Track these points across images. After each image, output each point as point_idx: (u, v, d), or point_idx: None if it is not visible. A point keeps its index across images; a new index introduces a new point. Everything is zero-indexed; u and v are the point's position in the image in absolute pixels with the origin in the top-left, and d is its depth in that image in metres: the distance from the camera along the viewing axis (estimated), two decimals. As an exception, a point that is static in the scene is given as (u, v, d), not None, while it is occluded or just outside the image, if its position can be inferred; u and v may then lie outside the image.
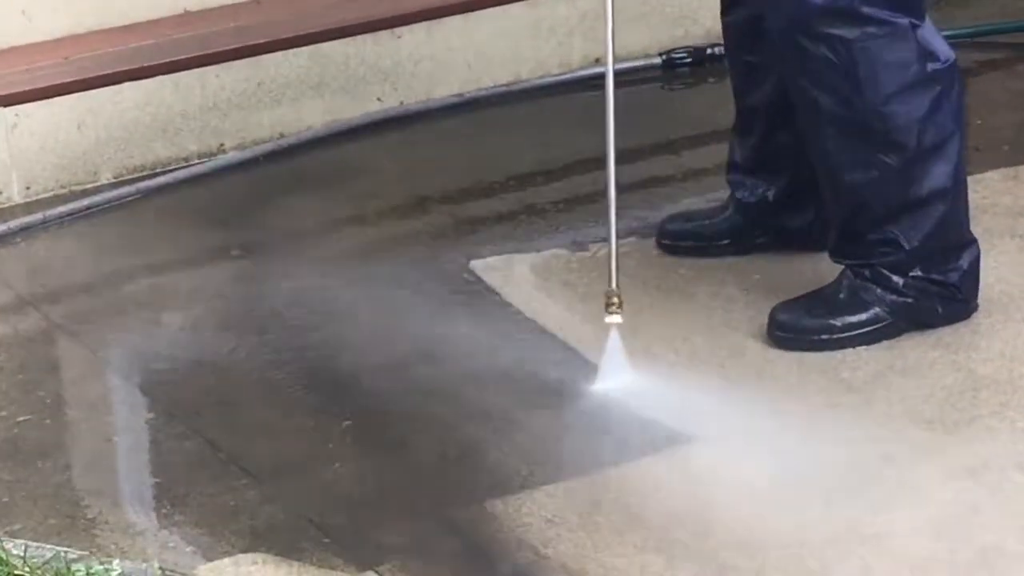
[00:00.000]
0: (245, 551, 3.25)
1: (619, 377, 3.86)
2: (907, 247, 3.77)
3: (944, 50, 3.79)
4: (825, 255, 3.97)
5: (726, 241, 4.29)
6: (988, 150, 4.03)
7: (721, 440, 3.53)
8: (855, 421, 3.56)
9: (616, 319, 3.84)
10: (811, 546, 3.17)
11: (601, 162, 4.07)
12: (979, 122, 3.89)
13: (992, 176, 4.00)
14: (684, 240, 4.34)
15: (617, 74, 4.33)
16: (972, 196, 4.08)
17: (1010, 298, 3.92)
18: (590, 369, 3.82)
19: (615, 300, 3.83)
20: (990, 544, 3.14)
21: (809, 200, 4.09)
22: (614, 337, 3.86)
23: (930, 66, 3.76)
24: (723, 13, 4.13)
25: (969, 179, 4.13)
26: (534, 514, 3.30)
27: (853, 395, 3.66)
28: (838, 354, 3.79)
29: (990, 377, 3.66)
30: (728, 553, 3.16)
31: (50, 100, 4.64)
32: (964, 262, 3.84)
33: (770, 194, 4.19)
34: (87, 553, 3.24)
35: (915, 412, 3.56)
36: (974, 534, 3.17)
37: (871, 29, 3.68)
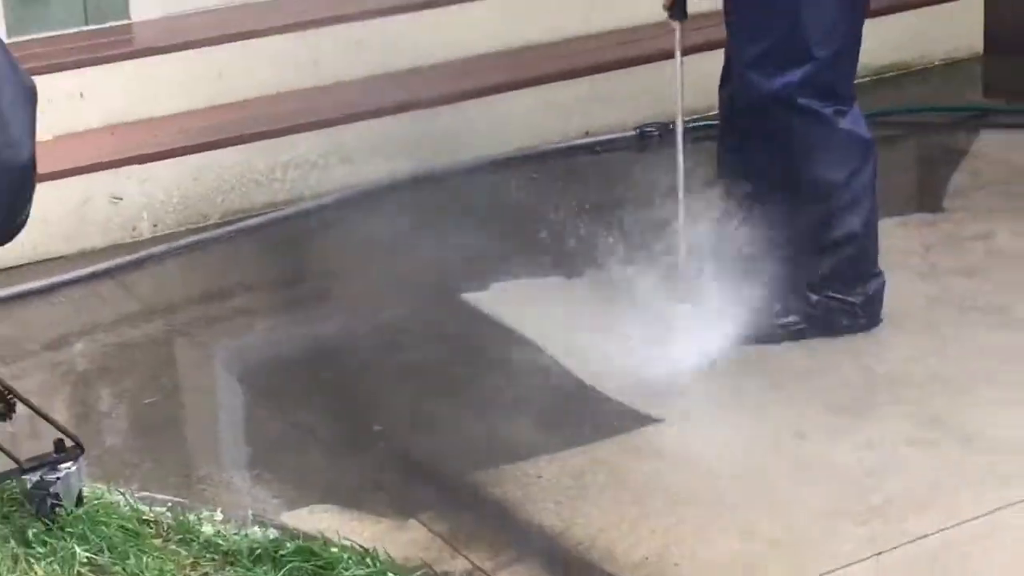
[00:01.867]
0: (318, 503, 3.32)
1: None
2: (821, 274, 3.81)
3: (863, 131, 3.79)
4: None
5: None
6: (886, 203, 4.04)
7: (679, 421, 3.56)
8: (783, 408, 3.61)
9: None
10: (750, 497, 3.25)
11: (588, 209, 4.12)
12: (878, 181, 3.88)
13: (888, 223, 4.02)
14: None
15: (602, 143, 4.38)
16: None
17: (904, 315, 3.92)
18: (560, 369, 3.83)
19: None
20: (883, 499, 3.21)
21: None
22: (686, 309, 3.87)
23: (851, 144, 3.77)
24: (720, 85, 4.04)
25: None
26: (534, 476, 3.37)
27: (779, 390, 3.69)
28: (770, 358, 3.80)
29: (885, 375, 3.74)
30: (686, 506, 3.22)
31: (173, 159, 4.67)
32: (869, 289, 3.85)
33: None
34: (197, 504, 3.31)
35: (827, 401, 3.61)
36: (870, 491, 3.25)
37: (805, 115, 3.70)
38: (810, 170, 3.76)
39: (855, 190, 3.78)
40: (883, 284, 3.89)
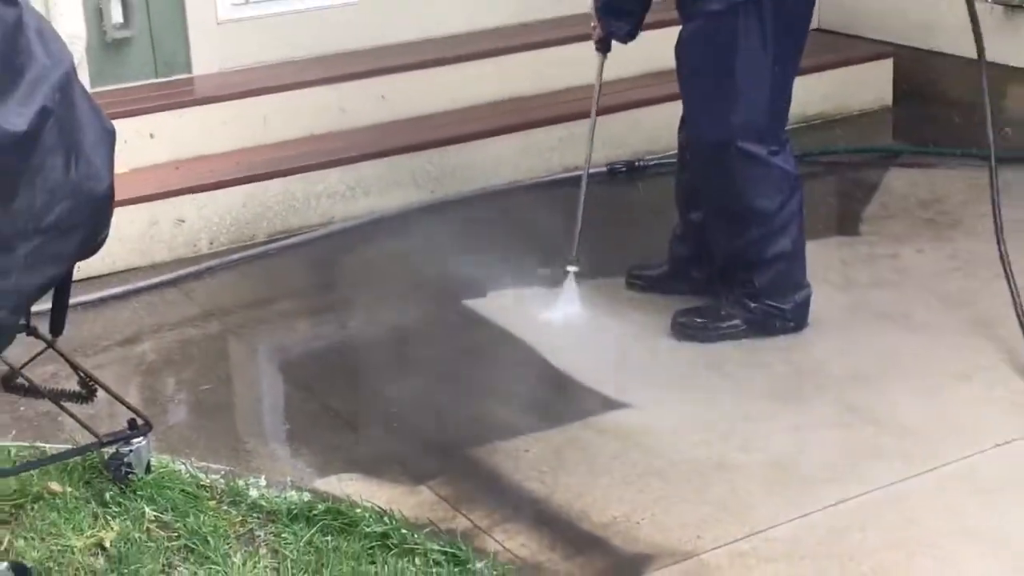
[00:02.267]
0: (344, 472, 3.32)
1: (570, 310, 4.03)
2: (757, 286, 3.80)
3: (792, 168, 3.79)
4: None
5: (670, 283, 4.15)
6: (812, 228, 4.05)
7: (642, 406, 3.56)
8: (729, 395, 3.62)
9: (574, 268, 4.04)
10: (701, 469, 3.26)
11: (566, 231, 4.14)
12: (805, 209, 3.89)
13: (813, 244, 4.03)
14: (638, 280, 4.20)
15: (577, 179, 4.37)
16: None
17: (826, 321, 3.91)
18: (543, 362, 3.83)
19: (574, 260, 4.03)
20: (809, 470, 3.24)
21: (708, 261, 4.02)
22: (571, 280, 4.06)
23: (782, 179, 3.76)
24: (680, 130, 4.02)
25: None
26: (522, 451, 3.38)
27: (727, 379, 3.70)
28: (715, 353, 3.79)
29: (811, 370, 3.73)
30: (648, 477, 3.24)
31: (226, 189, 4.65)
32: (798, 298, 3.85)
33: (687, 252, 4.10)
34: (245, 472, 3.32)
35: (764, 389, 3.63)
36: (800, 464, 3.26)
37: (745, 156, 3.69)
38: (749, 200, 3.75)
39: (785, 216, 3.79)
40: (810, 294, 3.89)
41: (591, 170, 4.22)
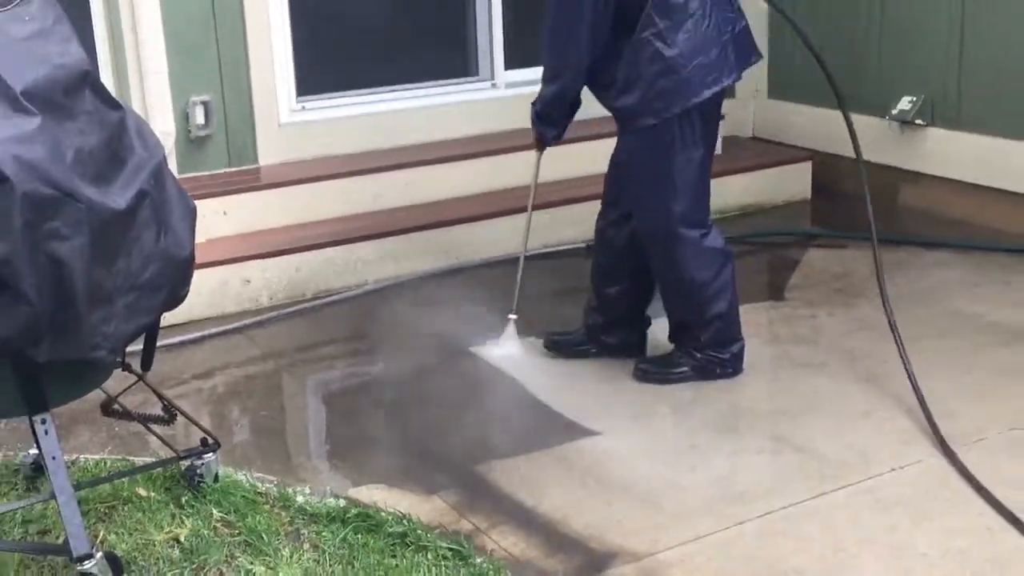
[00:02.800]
0: (372, 483, 3.30)
1: (509, 350, 4.02)
2: (701, 340, 3.77)
3: (721, 245, 3.74)
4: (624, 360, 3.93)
5: (582, 347, 4.02)
6: (746, 295, 4.07)
7: (610, 434, 3.54)
8: (679, 427, 3.60)
9: (513, 316, 4.04)
10: (657, 486, 3.24)
11: (554, 294, 4.13)
12: (739, 278, 3.90)
13: (747, 307, 4.03)
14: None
15: (561, 252, 4.38)
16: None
17: (757, 368, 3.88)
18: (532, 398, 3.80)
19: (514, 311, 4.05)
20: (744, 487, 3.21)
21: (620, 328, 3.97)
22: (511, 327, 4.06)
23: (714, 254, 3.72)
24: (598, 216, 3.93)
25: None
26: (515, 468, 3.36)
27: (678, 414, 3.67)
28: (669, 393, 3.76)
29: (745, 407, 3.72)
30: (615, 491, 3.22)
31: (283, 256, 4.66)
32: (735, 349, 3.82)
33: (601, 321, 3.97)
34: (293, 482, 3.31)
35: (708, 422, 3.59)
36: (736, 482, 3.24)
37: (683, 239, 3.65)
38: (690, 273, 3.71)
39: (720, 284, 3.74)
40: (743, 346, 3.87)
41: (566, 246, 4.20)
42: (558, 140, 3.82)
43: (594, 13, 3.41)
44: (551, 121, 3.71)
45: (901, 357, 3.70)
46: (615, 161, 3.80)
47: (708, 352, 3.79)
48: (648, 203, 3.66)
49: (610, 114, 3.69)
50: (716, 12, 3.48)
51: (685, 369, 3.81)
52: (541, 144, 3.87)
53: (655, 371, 3.83)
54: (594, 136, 4.69)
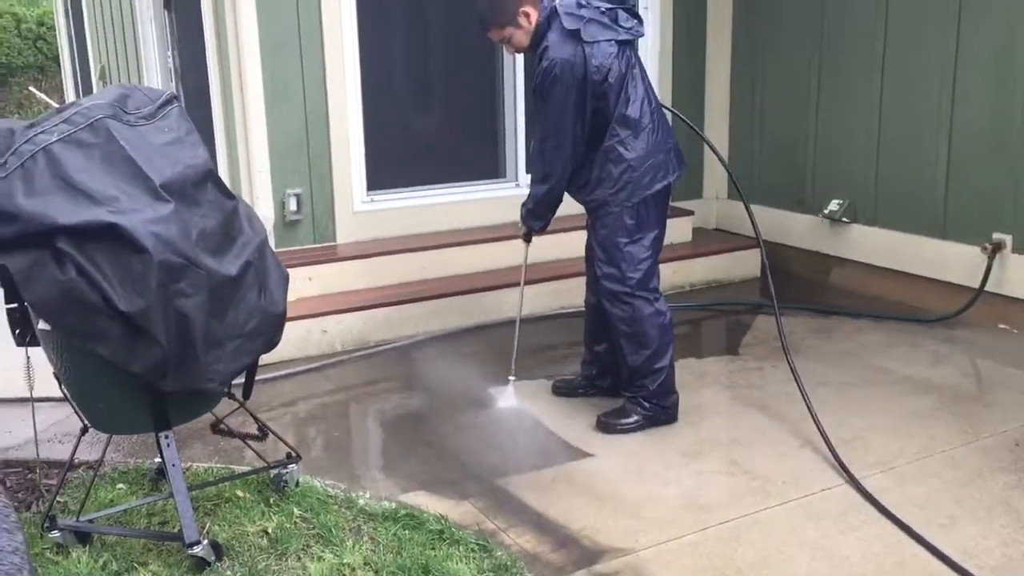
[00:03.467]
0: (418, 490, 3.28)
1: (508, 403, 3.89)
2: (650, 389, 3.67)
3: (666, 309, 3.64)
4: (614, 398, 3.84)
5: (581, 390, 3.96)
6: (708, 350, 4.04)
7: (600, 457, 3.50)
8: (656, 452, 3.53)
9: (512, 378, 3.94)
10: (638, 497, 3.20)
11: (558, 346, 4.10)
12: (702, 339, 3.86)
13: (709, 360, 4.01)
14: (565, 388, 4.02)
15: (566, 314, 4.35)
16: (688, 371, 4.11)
17: (716, 408, 3.86)
18: (542, 427, 3.74)
19: (512, 373, 3.94)
20: (705, 501, 3.16)
21: (610, 373, 3.90)
22: (510, 387, 3.94)
23: (661, 316, 3.62)
24: (586, 295, 3.85)
25: (688, 362, 4.11)
26: (525, 483, 3.31)
27: (655, 440, 3.61)
28: (629, 437, 3.63)
29: (707, 438, 3.66)
30: (605, 500, 3.18)
31: (353, 312, 4.57)
32: (672, 399, 3.70)
33: (594, 371, 3.95)
34: (356, 488, 3.29)
35: (678, 448, 3.55)
36: (699, 497, 3.19)
37: (637, 301, 3.58)
38: (643, 328, 3.59)
39: (665, 341, 3.65)
40: (678, 397, 3.73)
41: (570, 309, 4.17)
42: (542, 232, 3.78)
43: (575, 131, 3.44)
44: (538, 216, 3.68)
45: (805, 403, 3.65)
46: (588, 246, 3.72)
47: (654, 402, 3.67)
48: (612, 272, 3.58)
49: (582, 210, 3.68)
50: (661, 127, 3.56)
51: (637, 419, 3.67)
52: (528, 236, 3.84)
53: (612, 422, 3.68)
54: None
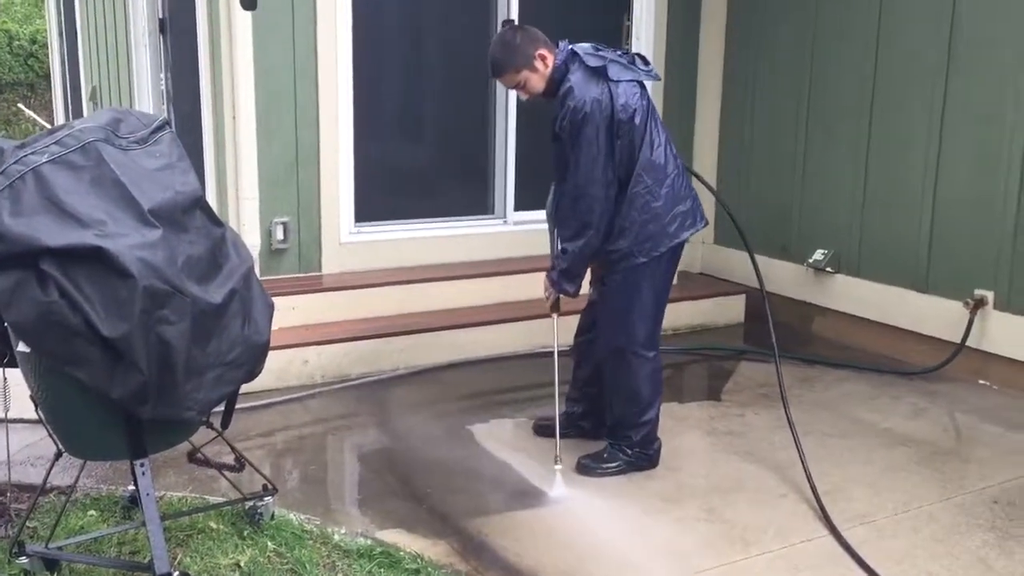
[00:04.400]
0: (394, 527, 3.25)
1: (558, 492, 3.51)
2: (634, 439, 3.62)
3: (659, 362, 3.60)
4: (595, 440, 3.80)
5: (563, 431, 3.73)
6: (690, 395, 4.04)
7: (578, 499, 3.47)
8: (635, 498, 3.51)
9: (559, 466, 3.58)
10: (614, 543, 3.17)
11: (539, 387, 4.10)
12: (685, 383, 3.87)
13: (691, 405, 4.00)
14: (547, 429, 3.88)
15: (549, 352, 4.32)
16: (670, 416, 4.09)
17: (697, 454, 3.83)
18: (517, 473, 3.72)
19: (558, 460, 3.60)
20: (684, 548, 3.13)
21: (593, 415, 3.85)
22: (559, 476, 3.57)
23: (656, 372, 3.59)
24: (576, 336, 3.81)
25: (671, 406, 4.11)
26: (503, 523, 3.28)
27: (634, 487, 3.58)
28: (610, 481, 3.61)
29: (686, 484, 3.64)
30: (583, 546, 3.14)
31: (334, 344, 4.61)
32: (655, 447, 3.67)
33: (579, 410, 3.88)
34: (331, 523, 3.25)
35: (657, 494, 3.52)
36: (677, 543, 3.16)
37: (637, 358, 3.53)
38: (637, 386, 3.58)
39: (655, 396, 3.63)
40: (660, 444, 3.70)
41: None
42: (576, 295, 3.53)
43: (607, 176, 3.31)
44: (573, 276, 3.45)
45: (798, 452, 3.67)
46: (592, 300, 3.69)
47: (637, 450, 3.64)
48: (620, 328, 3.52)
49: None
50: (685, 174, 3.52)
51: (619, 464, 3.63)
52: (556, 305, 3.61)
53: (593, 465, 3.63)
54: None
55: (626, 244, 3.43)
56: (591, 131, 3.27)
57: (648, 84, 3.52)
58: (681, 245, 3.52)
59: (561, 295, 3.55)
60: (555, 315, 3.65)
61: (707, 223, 3.65)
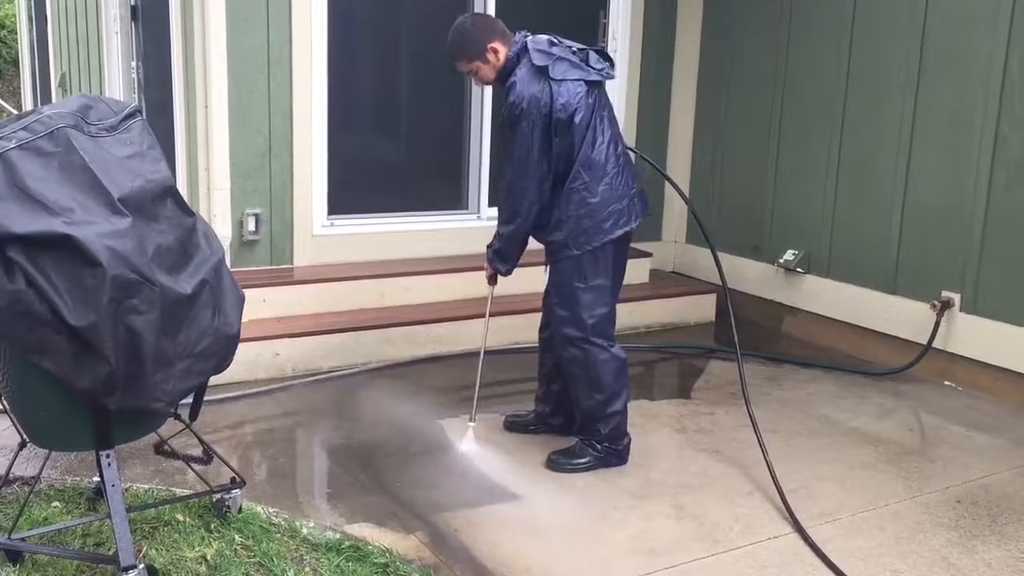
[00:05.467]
0: (362, 521, 3.24)
1: (469, 447, 3.77)
2: (603, 433, 3.64)
3: (622, 355, 3.63)
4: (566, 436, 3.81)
5: (533, 427, 3.92)
6: (660, 393, 4.05)
7: (548, 495, 3.48)
8: (605, 494, 3.51)
9: (472, 423, 3.81)
10: (586, 539, 3.18)
11: (510, 381, 4.10)
12: (655, 382, 3.88)
13: (661, 403, 4.01)
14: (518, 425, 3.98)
15: (524, 349, 4.34)
16: (640, 413, 4.06)
17: (666, 452, 3.84)
18: (493, 462, 3.71)
19: (472, 418, 3.82)
20: (654, 544, 3.15)
21: (562, 413, 3.87)
22: (470, 432, 3.82)
23: (616, 361, 3.60)
24: (540, 331, 3.83)
25: (641, 403, 4.11)
26: (473, 518, 3.28)
27: (605, 483, 3.59)
28: (579, 477, 3.61)
29: (656, 481, 3.65)
30: (540, 537, 3.15)
31: (306, 337, 4.58)
32: (625, 442, 3.69)
33: (548, 409, 3.90)
34: (299, 517, 3.24)
35: (627, 491, 3.53)
36: (646, 540, 3.17)
37: (592, 347, 3.56)
38: (596, 375, 3.59)
39: (619, 386, 3.65)
40: (630, 440, 3.74)
41: (524, 344, 4.15)
42: (508, 274, 3.71)
43: (541, 170, 3.43)
44: (505, 257, 3.62)
45: (762, 451, 3.70)
46: (546, 290, 3.72)
47: (606, 445, 3.65)
48: (568, 317, 3.56)
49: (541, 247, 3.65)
50: (626, 172, 3.55)
51: (588, 459, 3.64)
52: (494, 279, 3.75)
53: (563, 461, 3.65)
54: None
55: (562, 236, 3.51)
56: (527, 127, 3.38)
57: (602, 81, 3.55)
58: (622, 240, 3.56)
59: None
60: (491, 287, 3.81)
61: (648, 215, 3.67)
